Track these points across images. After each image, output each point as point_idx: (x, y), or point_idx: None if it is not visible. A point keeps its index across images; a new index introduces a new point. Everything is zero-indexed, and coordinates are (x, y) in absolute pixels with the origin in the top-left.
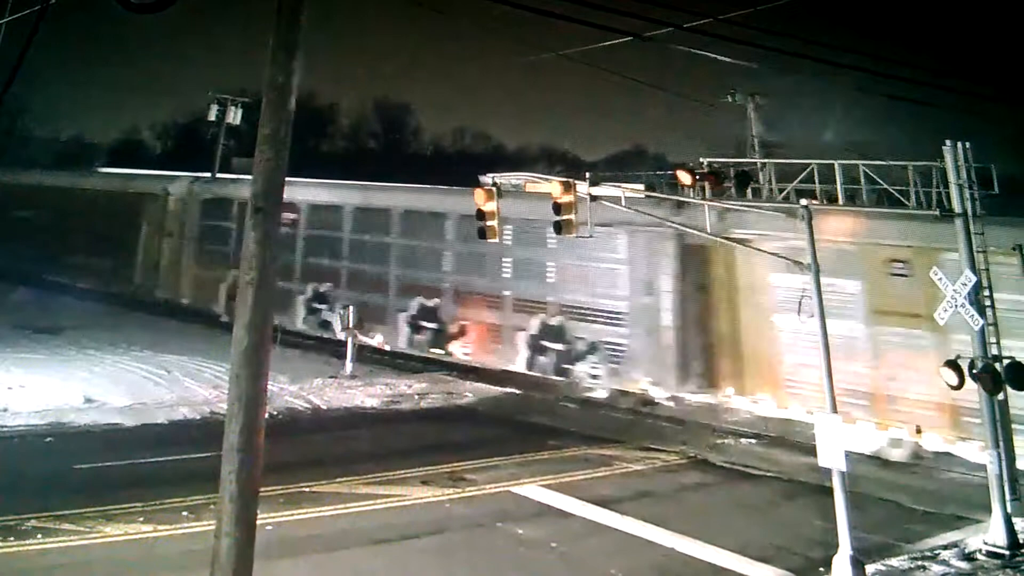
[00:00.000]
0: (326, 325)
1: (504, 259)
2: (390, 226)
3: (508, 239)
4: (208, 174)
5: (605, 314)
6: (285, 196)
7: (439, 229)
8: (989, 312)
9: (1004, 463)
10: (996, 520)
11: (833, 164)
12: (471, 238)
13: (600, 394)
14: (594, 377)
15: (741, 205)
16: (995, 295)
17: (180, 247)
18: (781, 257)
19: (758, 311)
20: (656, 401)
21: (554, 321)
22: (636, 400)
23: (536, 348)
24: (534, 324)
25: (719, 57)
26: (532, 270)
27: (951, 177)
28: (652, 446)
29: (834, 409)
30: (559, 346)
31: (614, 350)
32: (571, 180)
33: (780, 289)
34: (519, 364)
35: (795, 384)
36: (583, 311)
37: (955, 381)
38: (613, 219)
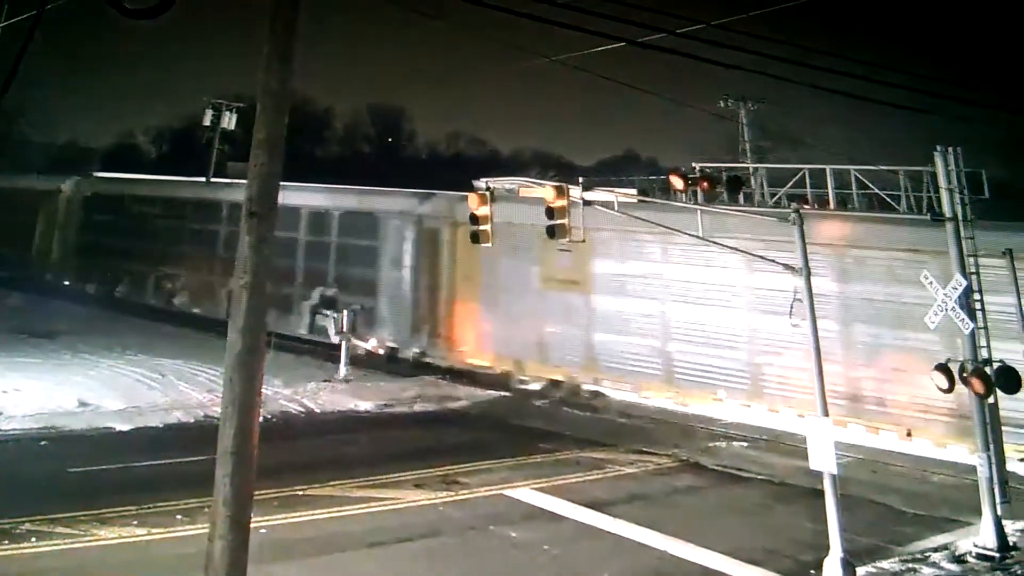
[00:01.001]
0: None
1: (299, 243)
2: (220, 218)
3: (303, 228)
4: (204, 178)
5: (365, 285)
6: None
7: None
8: (979, 315)
9: (994, 466)
10: (986, 523)
11: (825, 169)
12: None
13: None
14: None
15: (733, 210)
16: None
17: (67, 237)
18: (772, 261)
19: (468, 282)
20: (402, 357)
21: (330, 292)
22: (384, 354)
23: (315, 315)
24: (315, 295)
25: (712, 61)
26: (319, 251)
27: (942, 182)
28: (644, 449)
29: (825, 413)
30: (333, 313)
31: (370, 314)
32: (564, 185)
33: (486, 263)
34: (303, 329)
35: (486, 338)
36: (350, 283)
37: (946, 385)
38: (372, 207)
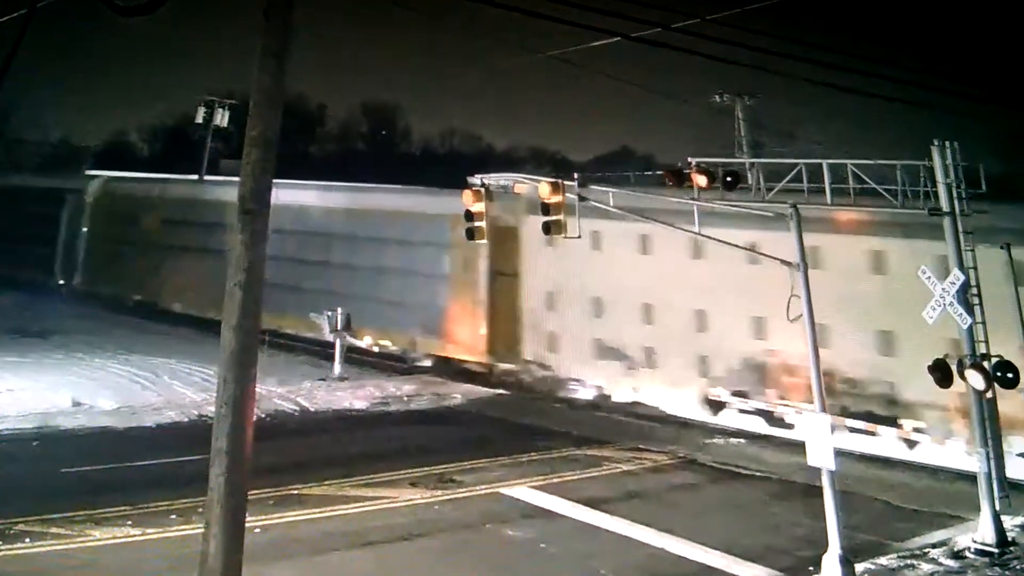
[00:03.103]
0: None
1: None
2: None
3: None
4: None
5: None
6: None
7: None
8: (977, 310)
9: (992, 462)
10: (985, 518)
11: (821, 163)
12: None
13: None
14: None
15: (729, 205)
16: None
17: None
18: (769, 256)
19: (110, 238)
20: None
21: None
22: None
23: None
24: None
25: (708, 56)
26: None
27: (939, 176)
28: (642, 446)
29: (823, 408)
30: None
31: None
32: (559, 181)
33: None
34: None
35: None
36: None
37: (944, 380)
38: (53, 185)
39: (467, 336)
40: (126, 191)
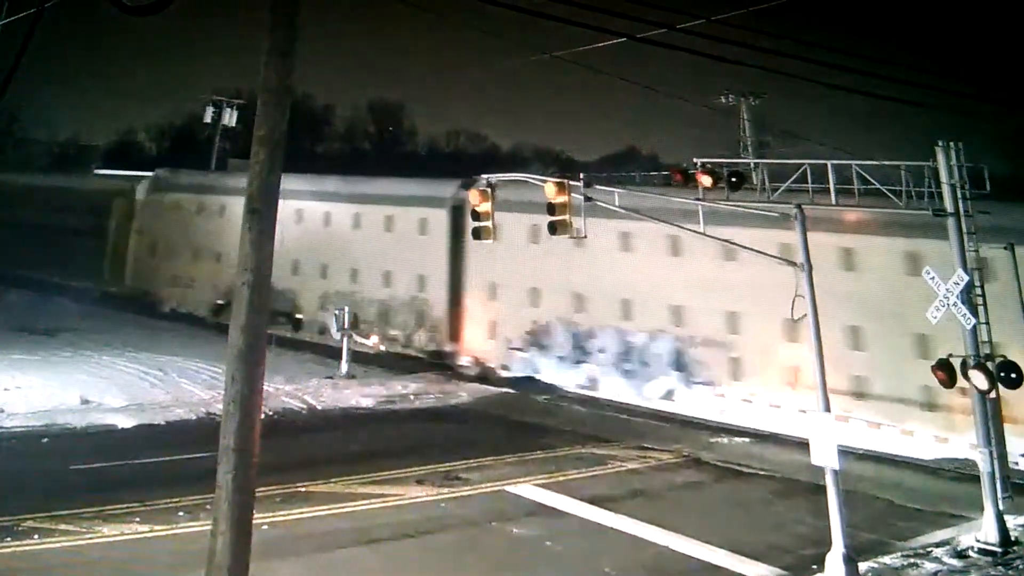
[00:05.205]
0: None
1: None
2: None
3: None
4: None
5: None
6: None
7: None
8: (981, 311)
9: (995, 462)
10: (988, 518)
11: (826, 164)
12: None
13: None
14: None
15: (734, 205)
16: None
17: None
18: (775, 257)
19: None
20: None
21: None
22: None
23: None
24: None
25: (713, 56)
26: None
27: (943, 177)
28: (646, 445)
29: (827, 408)
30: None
31: None
32: (565, 181)
33: None
34: None
35: None
36: None
37: (946, 380)
38: None
39: (119, 272)
40: None
